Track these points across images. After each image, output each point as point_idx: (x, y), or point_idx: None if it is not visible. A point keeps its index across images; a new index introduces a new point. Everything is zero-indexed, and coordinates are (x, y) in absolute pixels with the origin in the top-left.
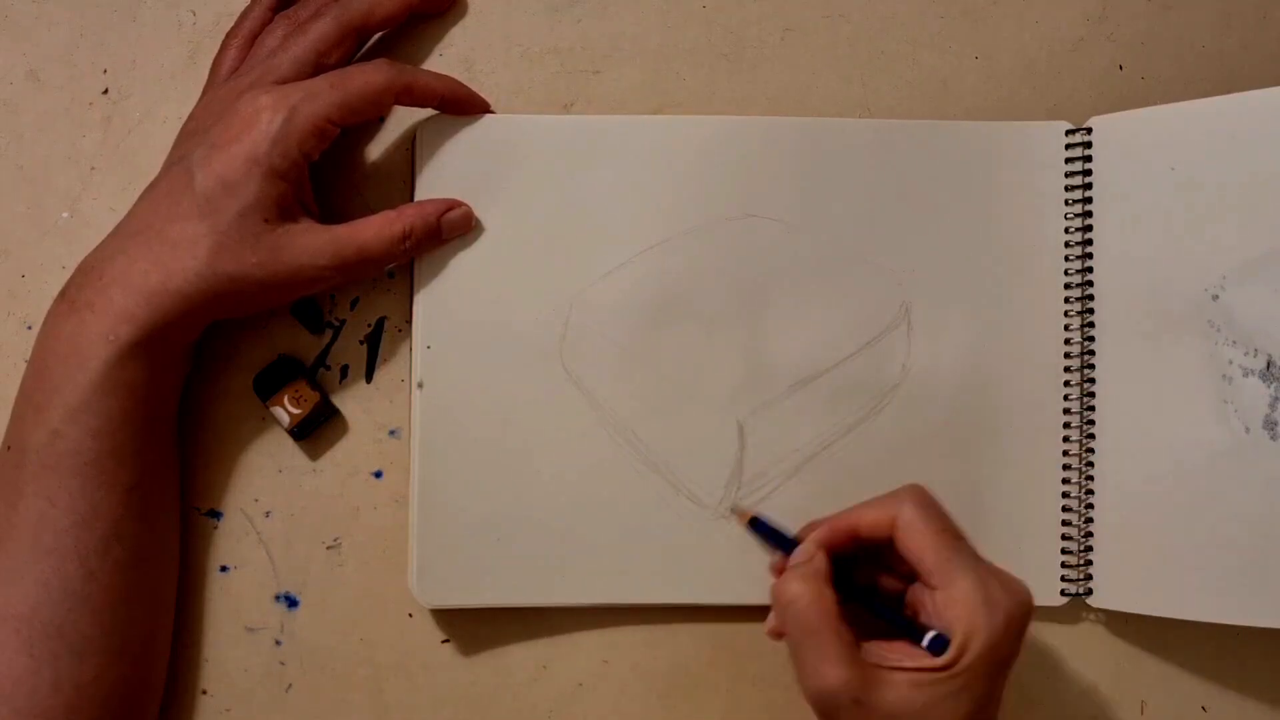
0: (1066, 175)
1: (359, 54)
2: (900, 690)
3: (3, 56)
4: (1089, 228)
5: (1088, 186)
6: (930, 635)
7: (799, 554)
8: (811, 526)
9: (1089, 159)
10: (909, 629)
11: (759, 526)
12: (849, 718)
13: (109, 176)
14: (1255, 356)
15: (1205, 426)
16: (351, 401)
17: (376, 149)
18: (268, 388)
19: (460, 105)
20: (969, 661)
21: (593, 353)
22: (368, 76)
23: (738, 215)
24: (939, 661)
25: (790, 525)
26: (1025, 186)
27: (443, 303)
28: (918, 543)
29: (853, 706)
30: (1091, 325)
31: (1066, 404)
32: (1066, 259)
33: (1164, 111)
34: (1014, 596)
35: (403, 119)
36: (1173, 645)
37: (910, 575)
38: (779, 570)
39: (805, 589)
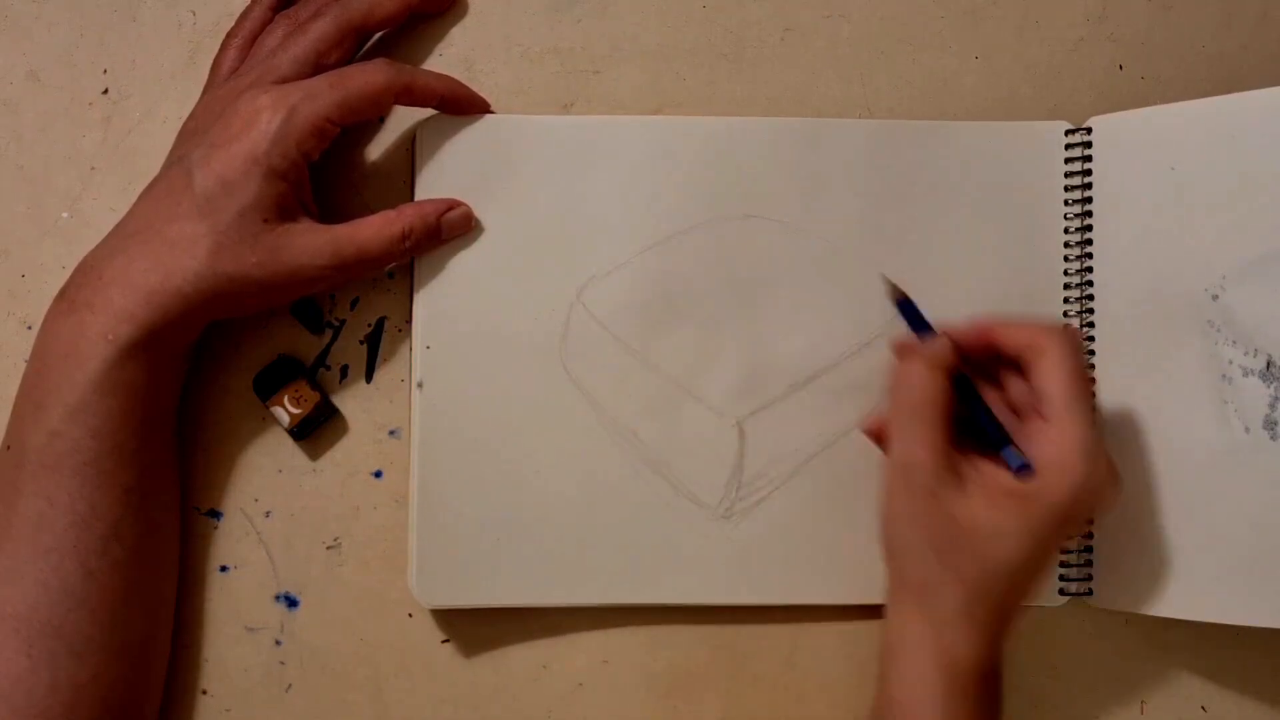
0: (1066, 175)
1: (359, 54)
2: (974, 502)
3: (3, 56)
4: (1089, 228)
5: (1088, 186)
6: (1020, 458)
7: (932, 342)
8: (960, 324)
9: (1089, 159)
10: (1006, 447)
11: (905, 307)
12: (920, 504)
13: (109, 176)
14: (1255, 356)
15: (1205, 426)
16: (351, 401)
17: (376, 149)
18: (268, 388)
19: (460, 105)
20: (1046, 499)
21: (593, 353)
22: (367, 76)
23: (738, 215)
24: (1021, 484)
25: (793, 523)
26: (1025, 186)
27: (442, 303)
28: (1053, 376)
29: (926, 494)
30: (1091, 325)
31: None
32: (1066, 259)
33: (1164, 111)
34: (1112, 472)
35: (403, 119)
36: (1173, 645)
37: (1018, 409)
38: (900, 350)
39: (924, 371)
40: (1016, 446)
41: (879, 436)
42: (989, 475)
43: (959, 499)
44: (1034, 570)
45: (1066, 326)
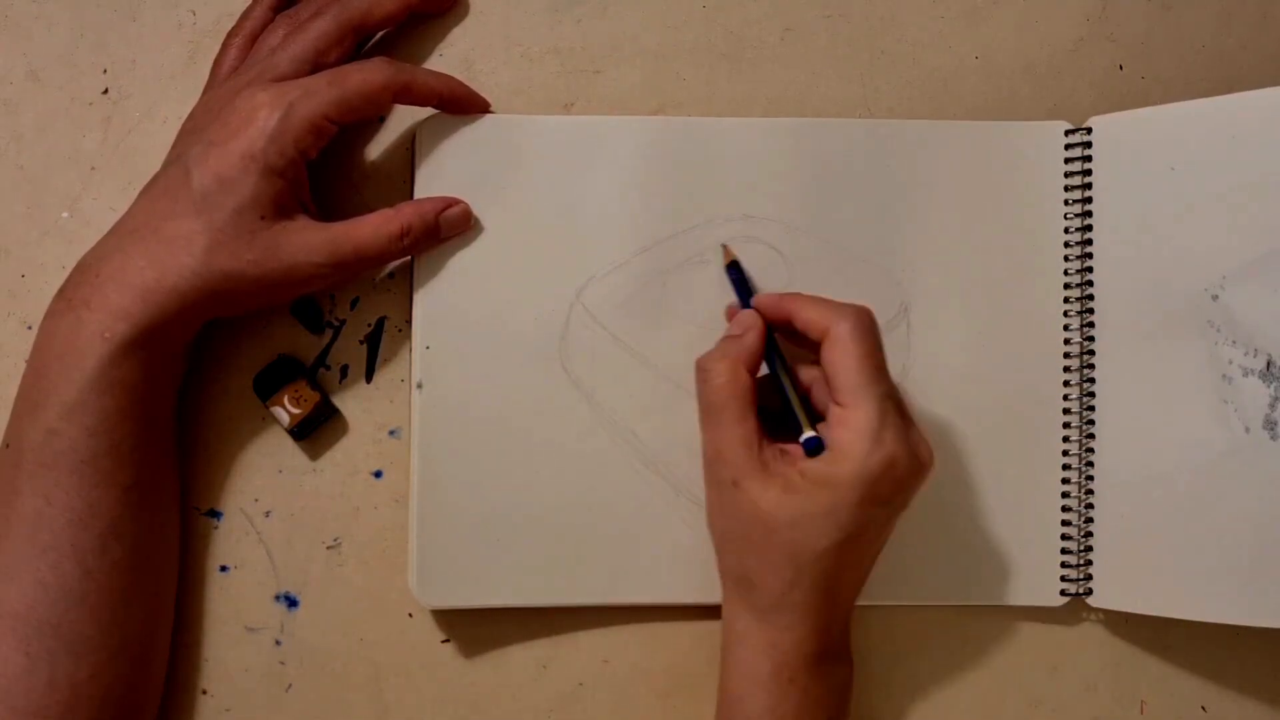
0: (1066, 175)
1: (359, 53)
2: (774, 491)
3: (3, 56)
4: (1089, 228)
5: (1088, 186)
6: (807, 434)
7: (734, 325)
8: (769, 297)
9: (1089, 159)
10: (797, 421)
11: (733, 271)
12: (728, 496)
13: (109, 176)
14: (1255, 356)
15: (1205, 426)
16: (351, 401)
17: (376, 148)
18: (268, 388)
19: (460, 104)
20: (837, 483)
21: (592, 353)
22: (366, 74)
23: (738, 215)
24: (813, 469)
25: None
26: (1025, 186)
27: (442, 303)
28: (839, 359)
29: (732, 487)
30: (1091, 325)
31: (1066, 404)
32: (1066, 259)
33: (1164, 111)
34: (908, 450)
35: (403, 118)
36: (1173, 645)
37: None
38: (729, 315)
39: (724, 366)
40: (814, 428)
41: None
42: (793, 462)
43: (762, 489)
44: (847, 555)
45: (857, 307)
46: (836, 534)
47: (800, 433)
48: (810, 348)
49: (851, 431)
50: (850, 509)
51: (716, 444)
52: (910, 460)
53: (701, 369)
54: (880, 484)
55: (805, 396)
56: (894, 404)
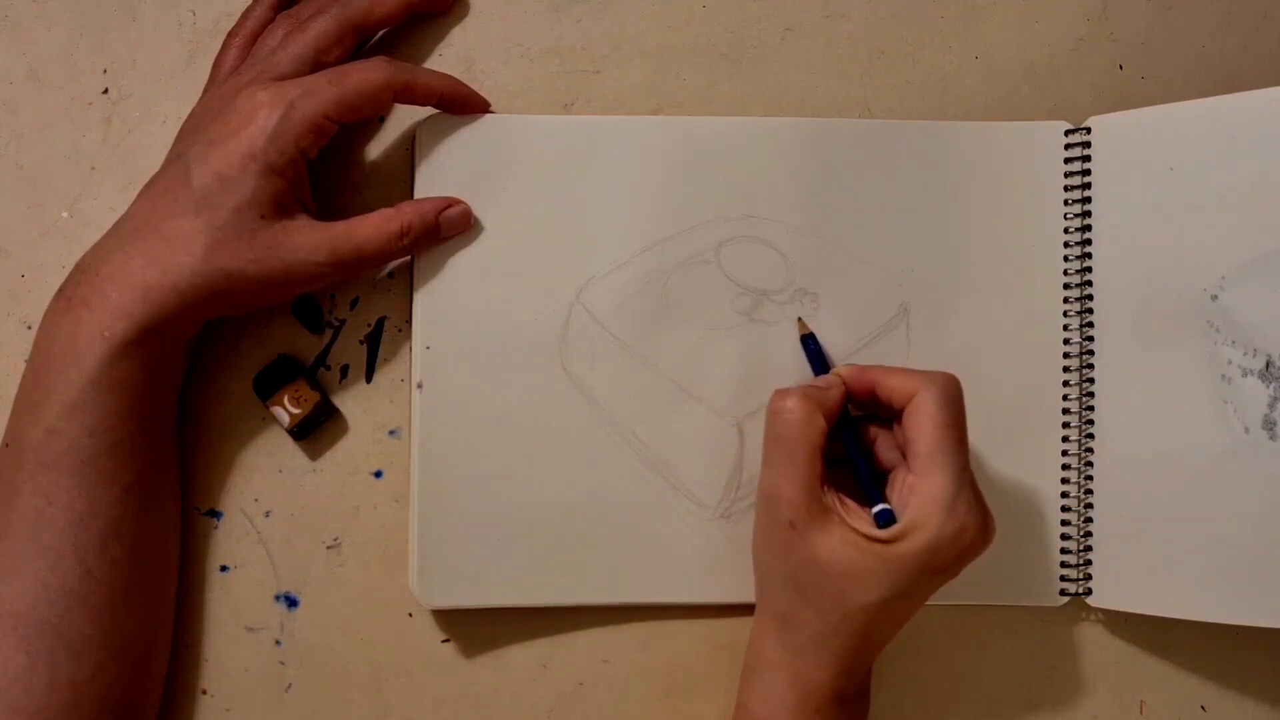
0: (1066, 175)
1: (360, 53)
2: (832, 540)
3: (3, 56)
4: (1088, 228)
5: (1087, 186)
6: (880, 507)
7: (819, 380)
8: (852, 368)
9: (1088, 159)
10: (870, 492)
11: (809, 344)
12: (781, 536)
13: (109, 176)
14: (1255, 356)
15: (1205, 426)
16: (351, 401)
17: (376, 148)
18: (268, 388)
19: (460, 104)
20: (903, 550)
21: (593, 353)
22: (366, 73)
23: (738, 215)
24: (876, 533)
25: None
26: (1025, 186)
27: (442, 303)
28: (919, 426)
29: (787, 528)
30: (1091, 325)
31: (1066, 404)
32: (1066, 259)
33: (1164, 111)
34: (978, 522)
35: (403, 118)
36: (1172, 645)
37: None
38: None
39: (800, 406)
40: (885, 495)
41: None
42: (855, 516)
43: (820, 536)
44: (893, 612)
45: (945, 374)
46: (888, 592)
47: (871, 502)
48: (890, 415)
49: (926, 500)
50: (909, 573)
51: (778, 481)
52: (978, 534)
53: (778, 403)
54: (944, 555)
55: (875, 469)
56: (968, 478)
